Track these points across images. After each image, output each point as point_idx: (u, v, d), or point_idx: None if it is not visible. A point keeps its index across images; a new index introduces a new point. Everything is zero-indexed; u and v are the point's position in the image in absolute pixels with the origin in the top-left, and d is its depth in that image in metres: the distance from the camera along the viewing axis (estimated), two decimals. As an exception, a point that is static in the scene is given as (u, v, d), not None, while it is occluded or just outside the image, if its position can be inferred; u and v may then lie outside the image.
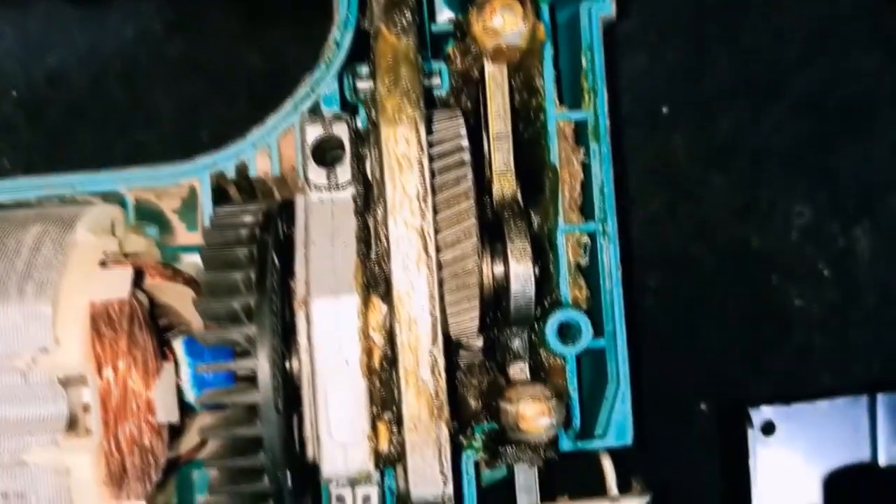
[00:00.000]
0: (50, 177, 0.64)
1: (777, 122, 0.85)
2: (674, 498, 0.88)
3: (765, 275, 0.86)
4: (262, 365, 0.53)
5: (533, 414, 0.54)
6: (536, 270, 0.59)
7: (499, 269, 0.59)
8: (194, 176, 0.65)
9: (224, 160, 0.64)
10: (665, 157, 0.85)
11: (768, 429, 0.85)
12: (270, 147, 0.64)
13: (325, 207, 0.59)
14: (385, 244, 0.55)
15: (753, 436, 0.85)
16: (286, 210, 0.61)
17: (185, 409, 0.62)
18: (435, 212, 0.55)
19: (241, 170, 0.65)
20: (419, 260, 0.53)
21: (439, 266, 0.55)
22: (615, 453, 0.67)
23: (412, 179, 0.53)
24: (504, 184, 0.62)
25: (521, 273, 0.57)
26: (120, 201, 0.66)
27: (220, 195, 0.65)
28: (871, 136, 0.86)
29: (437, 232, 0.55)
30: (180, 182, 0.65)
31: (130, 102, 0.81)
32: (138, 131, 0.81)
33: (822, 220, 0.86)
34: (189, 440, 0.64)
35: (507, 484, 0.68)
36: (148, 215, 0.68)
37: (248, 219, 0.58)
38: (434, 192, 0.55)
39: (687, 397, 0.86)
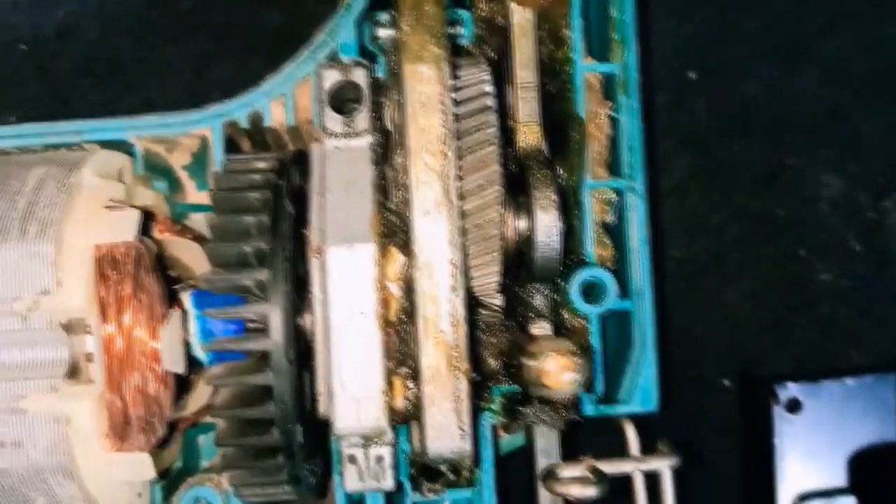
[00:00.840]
0: (56, 124, 0.62)
1: (804, 89, 0.83)
2: (694, 474, 0.85)
3: (791, 246, 0.83)
4: (273, 311, 0.51)
5: (557, 369, 0.52)
6: (563, 223, 0.57)
7: (522, 223, 0.57)
8: (206, 125, 0.62)
9: (237, 109, 0.62)
10: (690, 124, 0.82)
11: (794, 406, 0.83)
12: (286, 96, 0.62)
13: (342, 156, 0.57)
14: (404, 190, 0.53)
15: (779, 413, 0.82)
16: (301, 160, 0.59)
17: (193, 364, 0.60)
18: (458, 158, 0.53)
19: (255, 120, 0.62)
20: (440, 204, 0.51)
21: (461, 213, 0.53)
22: (636, 425, 0.64)
23: (434, 119, 0.51)
24: (529, 135, 0.59)
25: (548, 223, 0.54)
26: (128, 152, 0.63)
27: (231, 147, 0.63)
28: (898, 104, 0.83)
29: (459, 179, 0.53)
30: (191, 131, 0.62)
31: (140, 58, 0.78)
32: (147, 88, 0.78)
33: (852, 191, 0.83)
34: (196, 399, 0.62)
35: (525, 452, 0.66)
36: (158, 171, 0.66)
37: (261, 165, 0.56)
38: (457, 137, 0.53)
39: (709, 370, 0.84)
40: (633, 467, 0.54)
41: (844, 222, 0.84)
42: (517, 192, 0.57)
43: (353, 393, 0.53)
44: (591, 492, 0.51)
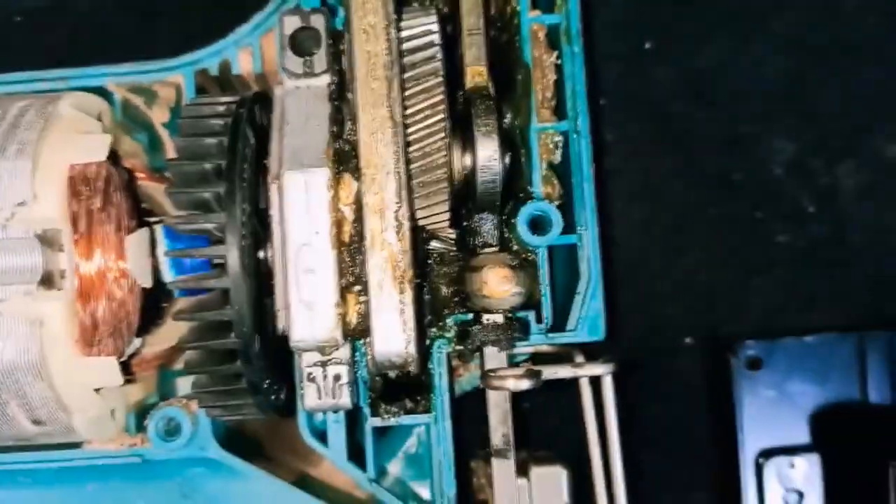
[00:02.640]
0: (42, 72, 0.67)
1: (760, 58, 0.86)
2: (659, 432, 0.88)
3: (748, 210, 0.87)
4: (230, 222, 0.55)
5: (495, 278, 0.55)
6: (507, 158, 0.61)
7: (469, 159, 0.61)
8: (178, 72, 0.67)
9: (208, 58, 0.67)
10: (648, 92, 0.86)
11: (754, 363, 0.85)
12: (253, 46, 0.67)
13: (301, 94, 0.61)
14: (355, 120, 0.57)
15: (739, 370, 0.85)
16: (265, 101, 0.63)
17: (165, 294, 0.64)
18: (403, 86, 0.57)
19: (224, 68, 0.67)
20: (384, 124, 0.55)
21: (406, 140, 0.57)
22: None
23: (379, 46, 0.55)
24: (476, 77, 0.63)
25: (488, 147, 0.58)
26: (109, 101, 0.68)
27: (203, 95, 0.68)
28: (855, 74, 0.87)
29: (406, 127, 0.57)
30: (165, 78, 0.67)
31: (130, 31, 0.83)
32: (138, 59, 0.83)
33: (806, 156, 0.87)
34: (167, 333, 0.66)
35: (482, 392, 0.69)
36: (138, 125, 0.71)
37: (220, 109, 0.60)
38: (403, 69, 0.57)
39: (672, 330, 0.87)
40: (572, 372, 0.57)
41: (799, 186, 0.87)
42: (464, 129, 0.61)
43: (308, 305, 0.57)
44: (524, 385, 0.54)
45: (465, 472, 0.70)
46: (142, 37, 0.83)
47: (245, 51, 0.67)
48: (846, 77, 0.87)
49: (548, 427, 0.85)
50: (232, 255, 0.54)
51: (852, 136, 0.87)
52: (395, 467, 0.74)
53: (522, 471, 0.61)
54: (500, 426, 0.59)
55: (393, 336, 0.55)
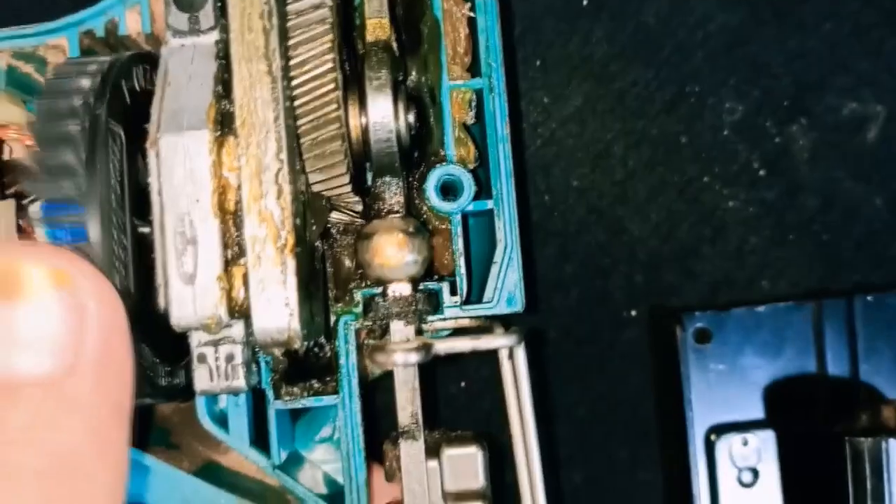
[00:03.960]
0: (-80, 37, 0.62)
1: (704, 13, 0.82)
2: (604, 409, 0.84)
3: (696, 174, 0.82)
4: (94, 232, 0.50)
5: (388, 246, 0.51)
6: (409, 116, 0.56)
7: (364, 118, 0.56)
8: (61, 34, 0.62)
9: (92, 18, 0.62)
10: (586, 51, 0.82)
11: (703, 336, 0.81)
12: (141, 4, 0.62)
13: (186, 52, 0.57)
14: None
15: (687, 343, 0.81)
16: (149, 63, 0.59)
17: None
18: (285, 37, 0.52)
19: (111, 29, 0.62)
20: (262, 80, 0.51)
21: (292, 93, 0.52)
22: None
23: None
24: (377, 31, 0.59)
25: (381, 103, 0.54)
26: (-5, 69, 0.64)
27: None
28: (803, 28, 0.82)
29: (291, 80, 0.53)
30: (47, 41, 0.62)
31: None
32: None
33: (755, 116, 0.82)
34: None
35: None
36: (30, 93, 0.66)
37: (91, 68, 0.55)
38: (286, 19, 0.53)
39: (615, 303, 0.83)
40: (471, 345, 0.52)
41: (749, 148, 0.82)
42: (362, 86, 0.57)
43: (189, 279, 0.52)
44: (412, 358, 0.50)
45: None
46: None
47: (133, 10, 0.62)
48: (795, 31, 0.82)
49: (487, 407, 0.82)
50: (93, 224, 0.50)
51: (803, 94, 0.82)
52: (316, 454, 0.70)
53: (435, 452, 0.56)
54: (407, 405, 0.55)
55: (274, 311, 0.50)
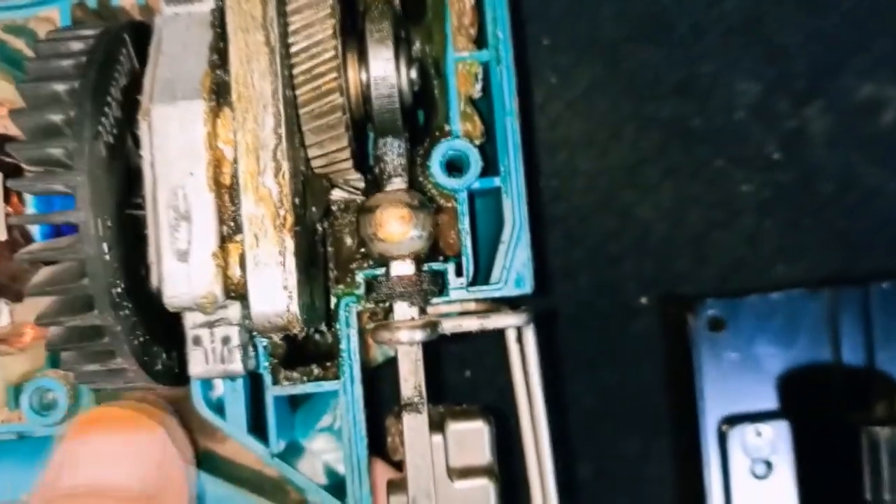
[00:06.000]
0: None
1: (717, -8, 0.79)
2: (614, 399, 0.81)
3: (708, 157, 0.80)
4: (79, 171, 0.48)
5: (391, 219, 0.48)
6: (412, 72, 0.54)
7: (364, 75, 0.54)
8: (53, 6, 0.60)
9: (85, -12, 0.60)
10: (594, 31, 0.79)
11: (716, 324, 0.79)
12: (134, -27, 0.60)
13: (181, 21, 0.54)
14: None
15: (699, 331, 0.78)
16: (143, 33, 0.56)
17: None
18: (286, 25, 0.50)
19: (104, 0, 0.60)
20: (259, 51, 0.48)
21: (290, 62, 0.50)
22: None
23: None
24: (383, -2, 0.56)
25: (380, 55, 0.51)
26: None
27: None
28: (821, 7, 0.80)
29: (289, 47, 0.50)
30: (39, 13, 0.60)
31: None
32: None
33: (770, 98, 0.80)
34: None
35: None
36: (18, 67, 0.64)
37: (76, 46, 0.52)
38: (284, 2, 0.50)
39: (626, 290, 0.80)
40: (478, 324, 0.50)
41: (764, 131, 0.80)
42: (361, 45, 0.54)
43: (182, 256, 0.50)
44: (418, 336, 0.47)
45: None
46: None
47: (126, -20, 0.60)
48: (813, 10, 0.80)
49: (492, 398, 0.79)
50: (82, 189, 0.47)
51: (820, 76, 0.80)
52: (316, 443, 0.67)
53: (439, 426, 0.53)
54: (410, 377, 0.52)
55: (272, 293, 0.48)
